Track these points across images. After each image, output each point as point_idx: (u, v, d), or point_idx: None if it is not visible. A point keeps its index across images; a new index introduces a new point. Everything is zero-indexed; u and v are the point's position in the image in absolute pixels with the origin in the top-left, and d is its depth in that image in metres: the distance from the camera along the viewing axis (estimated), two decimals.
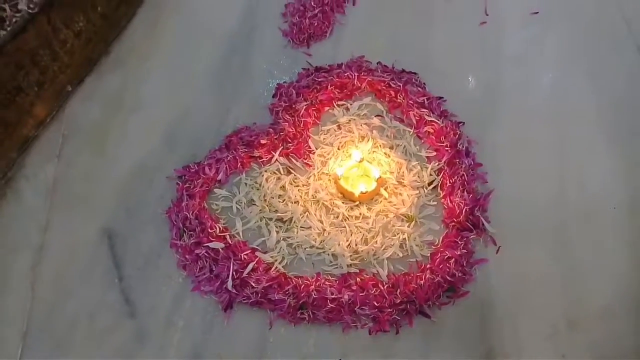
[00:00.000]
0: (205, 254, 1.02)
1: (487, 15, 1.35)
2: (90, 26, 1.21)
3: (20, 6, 1.09)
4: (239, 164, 1.13)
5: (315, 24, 1.36)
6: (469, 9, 1.37)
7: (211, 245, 1.02)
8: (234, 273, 0.99)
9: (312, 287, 0.98)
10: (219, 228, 1.06)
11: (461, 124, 1.15)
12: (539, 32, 1.33)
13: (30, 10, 1.07)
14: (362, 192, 1.06)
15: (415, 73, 1.24)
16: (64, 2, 1.12)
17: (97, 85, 1.28)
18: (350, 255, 1.02)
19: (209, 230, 1.04)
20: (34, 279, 1.00)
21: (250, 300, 0.97)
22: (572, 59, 1.27)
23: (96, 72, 1.30)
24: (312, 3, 1.39)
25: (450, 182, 1.08)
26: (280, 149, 1.14)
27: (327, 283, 0.99)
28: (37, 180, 1.15)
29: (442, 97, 1.19)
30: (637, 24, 1.32)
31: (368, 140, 1.15)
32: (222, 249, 1.02)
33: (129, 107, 1.24)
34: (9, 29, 1.07)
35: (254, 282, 0.98)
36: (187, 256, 1.03)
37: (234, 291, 0.98)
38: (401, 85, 1.20)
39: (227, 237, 1.05)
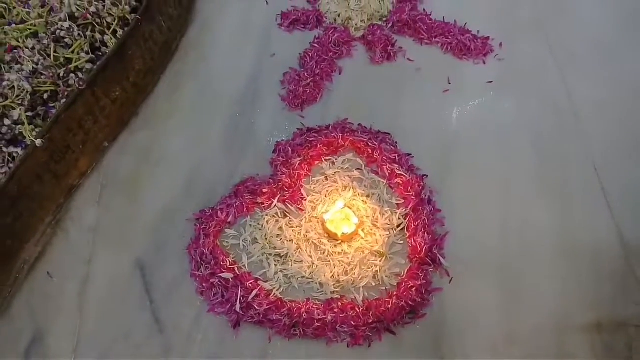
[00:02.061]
0: (218, 282, 1.15)
1: (450, 83, 1.49)
2: (124, 93, 1.39)
3: (71, 82, 1.29)
4: (245, 208, 1.26)
5: (308, 91, 1.49)
6: (435, 78, 1.51)
7: (223, 275, 1.15)
8: (241, 298, 1.12)
9: (303, 309, 1.11)
10: (229, 261, 1.19)
11: (425, 176, 1.29)
12: (492, 99, 1.45)
13: (79, 87, 1.25)
14: (344, 233, 1.19)
15: (388, 133, 1.38)
16: (105, 78, 1.30)
17: (128, 142, 1.42)
18: (334, 284, 1.15)
19: (221, 263, 1.18)
20: (80, 304, 1.16)
21: (254, 320, 1.10)
22: (518, 123, 1.39)
23: (128, 130, 1.43)
24: (306, 74, 1.51)
25: (414, 225, 1.21)
26: (278, 196, 1.27)
27: (314, 306, 1.12)
28: (81, 221, 1.28)
29: (410, 154, 1.33)
30: (576, 94, 1.43)
31: (349, 189, 1.28)
32: (231, 278, 1.15)
33: (155, 160, 1.38)
34: (63, 101, 1.26)
35: (256, 305, 1.11)
36: (203, 284, 1.16)
37: (241, 312, 1.11)
38: (377, 144, 1.34)
39: (236, 269, 1.18)
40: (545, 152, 1.34)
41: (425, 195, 1.26)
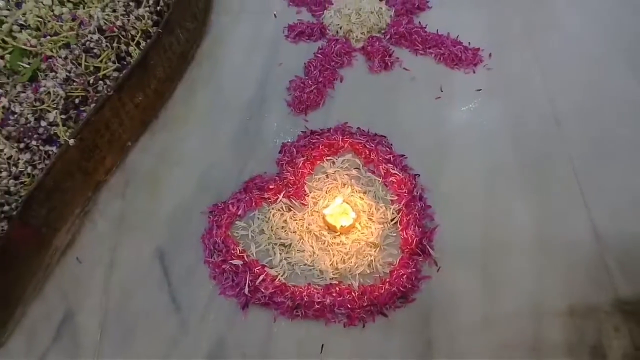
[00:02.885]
0: (229, 268, 1.22)
1: (442, 91, 1.55)
2: (146, 98, 1.48)
3: (99, 88, 1.39)
4: (253, 203, 1.32)
5: (312, 97, 1.54)
6: (428, 86, 1.57)
7: (233, 262, 1.22)
8: (249, 282, 1.19)
9: (305, 293, 1.18)
10: (239, 250, 1.25)
11: (417, 176, 1.35)
12: (480, 105, 1.51)
13: (107, 93, 1.35)
14: (342, 226, 1.25)
15: (384, 136, 1.44)
16: (130, 85, 1.40)
17: (149, 142, 1.48)
18: (332, 271, 1.21)
19: (232, 251, 1.25)
20: (106, 286, 1.23)
21: (261, 302, 1.17)
22: (503, 127, 1.45)
23: (149, 132, 1.50)
24: (310, 81, 1.57)
25: (406, 219, 1.27)
26: (283, 192, 1.33)
27: (315, 291, 1.18)
28: (107, 213, 1.35)
29: (404, 155, 1.39)
30: (558, 101, 1.50)
31: (348, 186, 1.34)
32: (240, 265, 1.22)
33: (173, 158, 1.44)
34: (92, 105, 1.35)
35: (263, 289, 1.18)
36: (216, 270, 1.23)
37: (249, 295, 1.18)
38: (374, 145, 1.40)
39: (245, 256, 1.24)
40: (527, 154, 1.40)
41: (417, 193, 1.32)
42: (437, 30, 1.72)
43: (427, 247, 1.24)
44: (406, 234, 1.26)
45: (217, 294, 1.21)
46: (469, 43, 1.67)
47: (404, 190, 1.33)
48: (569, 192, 1.33)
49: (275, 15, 1.82)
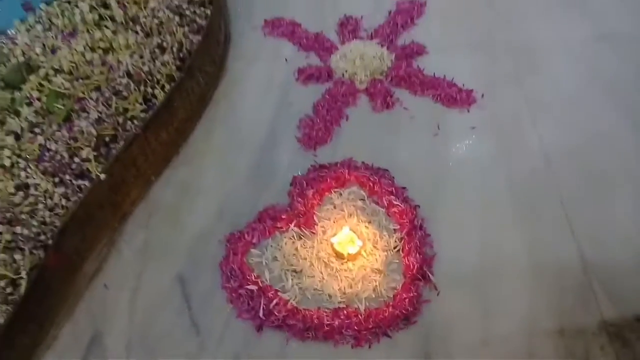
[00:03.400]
0: (245, 293, 1.29)
1: (439, 129, 1.65)
2: (169, 136, 1.62)
3: (128, 127, 1.50)
4: (267, 232, 1.40)
5: (320, 134, 1.65)
6: (426, 124, 1.67)
7: (248, 287, 1.29)
8: (264, 306, 1.25)
9: (315, 316, 1.24)
10: (254, 276, 1.32)
11: (417, 207, 1.43)
12: (474, 142, 1.61)
13: (135, 132, 1.48)
14: (349, 253, 1.32)
15: (387, 170, 1.53)
16: (155, 124, 1.53)
17: (171, 176, 1.59)
18: (340, 296, 1.28)
19: (247, 277, 1.32)
20: (131, 310, 1.32)
21: (274, 324, 1.24)
22: (495, 162, 1.54)
23: (171, 167, 1.62)
24: (318, 119, 1.68)
25: (408, 247, 1.34)
26: (294, 221, 1.41)
27: (324, 314, 1.24)
28: (132, 242, 1.45)
29: (405, 188, 1.48)
30: (546, 139, 1.59)
31: (354, 216, 1.42)
32: (255, 290, 1.29)
33: (192, 191, 1.55)
34: (121, 143, 1.47)
35: (276, 312, 1.24)
36: (232, 294, 1.30)
37: (263, 318, 1.24)
38: (377, 178, 1.48)
39: (259, 282, 1.31)
40: (518, 187, 1.48)
41: (418, 222, 1.39)
42: (434, 73, 1.83)
43: (428, 272, 1.31)
44: (408, 260, 1.33)
45: (234, 317, 1.29)
46: (463, 85, 1.78)
47: (405, 220, 1.41)
48: (558, 222, 1.41)
49: (286, 60, 1.96)
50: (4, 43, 1.73)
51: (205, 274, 1.38)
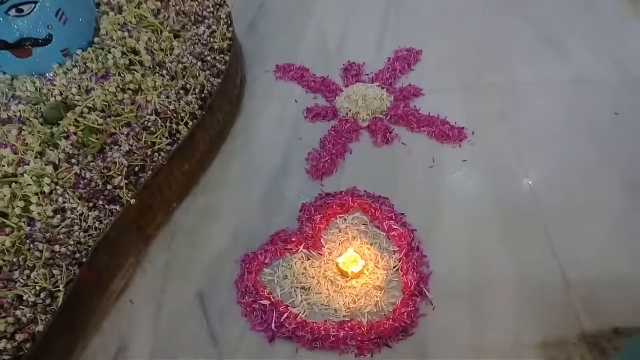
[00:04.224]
0: (258, 307, 1.38)
1: (434, 161, 1.77)
2: (190, 168, 1.75)
3: (155, 159, 1.65)
4: (278, 253, 1.50)
5: (326, 166, 1.76)
6: (422, 157, 1.79)
7: (261, 302, 1.39)
8: (275, 319, 1.35)
9: (322, 328, 1.33)
10: (266, 292, 1.42)
11: (414, 230, 1.54)
12: (465, 174, 1.73)
13: (161, 162, 1.62)
14: (353, 272, 1.42)
15: (387, 198, 1.64)
16: (179, 157, 1.68)
17: (191, 203, 1.71)
18: (345, 310, 1.37)
19: (260, 293, 1.42)
20: (155, 323, 1.42)
21: (285, 336, 1.33)
22: (485, 191, 1.66)
23: (191, 195, 1.74)
24: (325, 153, 1.80)
25: (406, 267, 1.44)
26: (303, 244, 1.51)
27: (330, 326, 1.34)
28: (156, 262, 1.56)
29: (403, 213, 1.59)
30: (530, 169, 1.71)
31: (357, 239, 1.53)
32: (268, 305, 1.39)
33: (211, 217, 1.67)
34: (149, 172, 1.60)
35: (287, 325, 1.34)
36: (247, 309, 1.40)
37: (275, 330, 1.34)
38: (378, 205, 1.60)
39: (271, 297, 1.41)
40: (505, 213, 1.61)
41: (415, 244, 1.51)
42: (429, 112, 1.97)
43: (424, 289, 1.41)
44: (406, 278, 1.44)
45: (248, 329, 1.39)
46: (455, 122, 1.92)
47: (403, 243, 1.52)
48: (541, 243, 1.54)
49: (296, 100, 2.10)
50: (44, 84, 1.89)
51: (223, 290, 1.48)
